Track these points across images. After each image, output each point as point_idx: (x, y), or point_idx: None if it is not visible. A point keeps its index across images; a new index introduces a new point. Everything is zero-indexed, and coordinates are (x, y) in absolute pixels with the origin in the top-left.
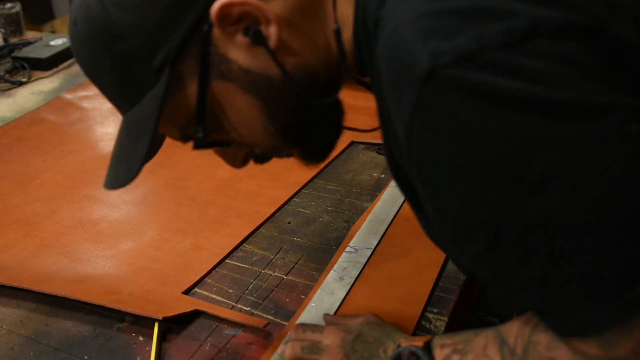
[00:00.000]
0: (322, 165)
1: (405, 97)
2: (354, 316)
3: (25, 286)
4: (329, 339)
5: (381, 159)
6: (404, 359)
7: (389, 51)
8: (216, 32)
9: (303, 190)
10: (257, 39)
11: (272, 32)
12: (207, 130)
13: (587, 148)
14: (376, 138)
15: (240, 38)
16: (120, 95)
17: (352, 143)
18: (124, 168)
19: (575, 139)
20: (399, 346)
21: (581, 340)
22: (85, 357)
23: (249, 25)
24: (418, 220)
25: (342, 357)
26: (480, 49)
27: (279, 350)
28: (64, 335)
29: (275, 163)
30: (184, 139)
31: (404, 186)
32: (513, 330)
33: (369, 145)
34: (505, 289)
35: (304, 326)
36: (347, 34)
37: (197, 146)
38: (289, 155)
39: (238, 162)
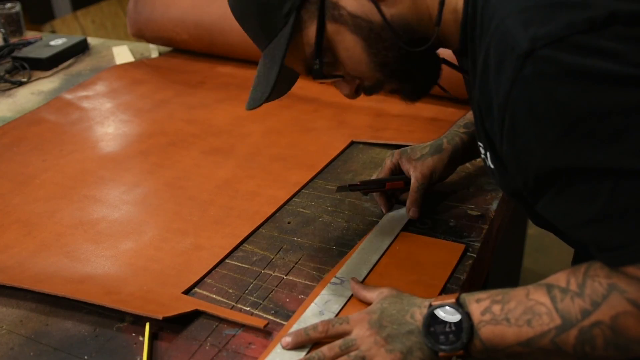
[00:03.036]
0: (323, 164)
1: (506, 73)
2: (371, 288)
3: (25, 286)
4: (357, 327)
5: (381, 159)
6: (440, 317)
7: (497, 37)
8: None
9: (303, 190)
10: None
11: None
12: (324, 64)
13: None
14: (376, 138)
15: None
16: (260, 35)
17: (352, 143)
18: (259, 92)
19: None
20: (430, 306)
21: (635, 267)
22: (85, 357)
23: None
24: (492, 177)
25: (376, 338)
26: (570, 34)
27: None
28: (64, 335)
29: (275, 163)
30: (307, 71)
31: (481, 141)
32: (561, 277)
33: (369, 145)
34: (571, 226)
35: (328, 322)
36: (451, 8)
37: (315, 76)
38: (392, 91)
39: (352, 93)
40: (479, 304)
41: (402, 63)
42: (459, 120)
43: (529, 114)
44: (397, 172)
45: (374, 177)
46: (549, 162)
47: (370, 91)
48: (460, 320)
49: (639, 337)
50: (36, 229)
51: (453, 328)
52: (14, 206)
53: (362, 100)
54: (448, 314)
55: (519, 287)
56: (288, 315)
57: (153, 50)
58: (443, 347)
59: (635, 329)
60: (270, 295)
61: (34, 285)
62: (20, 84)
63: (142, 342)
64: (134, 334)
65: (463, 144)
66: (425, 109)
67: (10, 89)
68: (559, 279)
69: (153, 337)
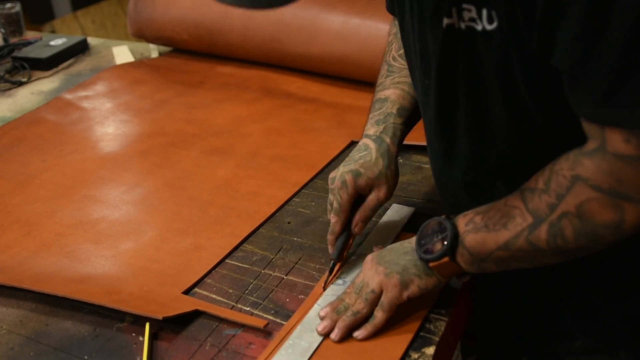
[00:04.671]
0: (323, 164)
1: None
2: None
3: (25, 286)
4: (365, 271)
5: None
6: (429, 229)
7: None
8: None
9: (303, 190)
10: None
11: None
12: None
13: None
14: None
15: None
16: None
17: (352, 143)
18: None
19: None
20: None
21: (622, 131)
22: (85, 357)
23: None
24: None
25: (377, 268)
26: None
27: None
28: (64, 335)
29: (275, 163)
30: None
31: None
32: (532, 179)
33: None
34: (580, 68)
35: (352, 286)
36: None
37: None
38: None
39: None
40: (465, 217)
41: None
42: (385, 106)
43: None
44: (357, 200)
45: (332, 218)
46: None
47: None
48: (446, 229)
49: (604, 221)
50: (36, 229)
51: (440, 237)
52: (14, 206)
53: (362, 100)
54: (437, 228)
55: (502, 199)
56: (288, 315)
57: (153, 50)
58: (429, 256)
59: (600, 213)
60: (270, 295)
61: (34, 285)
62: (20, 84)
63: (142, 342)
64: (134, 334)
65: (402, 138)
66: None
67: (10, 89)
68: (530, 181)
69: (153, 337)
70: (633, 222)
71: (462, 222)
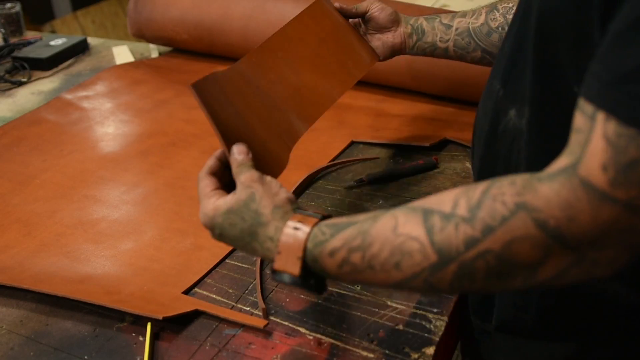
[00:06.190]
0: (323, 164)
1: None
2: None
3: (25, 286)
4: (204, 203)
5: (381, 159)
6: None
7: None
8: None
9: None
10: None
11: None
12: None
13: None
14: (376, 138)
15: None
16: None
17: (352, 143)
18: None
19: None
20: (274, 266)
21: (618, 121)
22: (85, 357)
23: None
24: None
25: (208, 226)
26: None
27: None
28: (64, 335)
29: None
30: None
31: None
32: (448, 197)
33: (369, 145)
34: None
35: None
36: None
37: None
38: None
39: None
40: (334, 257)
41: None
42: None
43: None
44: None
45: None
46: None
47: None
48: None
49: (527, 261)
50: (36, 229)
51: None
52: (14, 206)
53: (362, 100)
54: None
55: (386, 215)
56: (288, 315)
57: (153, 50)
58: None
59: (527, 254)
60: (270, 295)
61: (34, 285)
62: (20, 84)
63: (142, 342)
64: (134, 334)
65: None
66: (425, 109)
67: (10, 89)
68: (444, 200)
69: (154, 337)
70: (548, 273)
71: (333, 265)
